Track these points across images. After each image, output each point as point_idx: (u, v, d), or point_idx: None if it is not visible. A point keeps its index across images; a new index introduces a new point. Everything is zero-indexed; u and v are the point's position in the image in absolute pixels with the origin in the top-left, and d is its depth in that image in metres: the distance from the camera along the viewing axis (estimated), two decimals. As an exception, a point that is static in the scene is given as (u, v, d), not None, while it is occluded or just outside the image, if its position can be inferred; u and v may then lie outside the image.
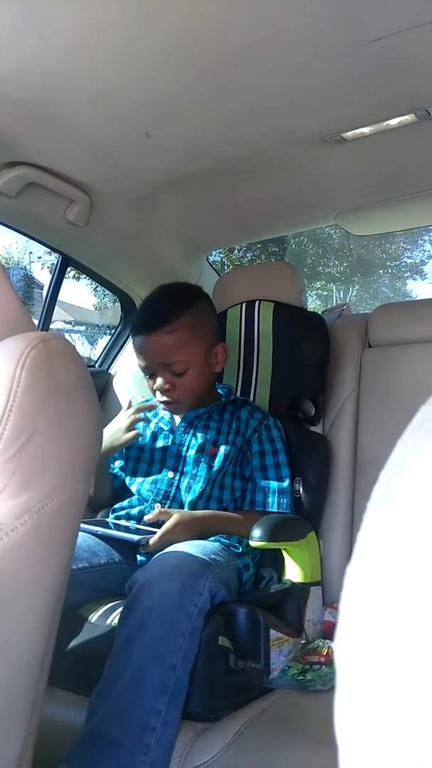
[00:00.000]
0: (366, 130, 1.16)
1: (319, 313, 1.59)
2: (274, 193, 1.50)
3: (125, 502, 1.24)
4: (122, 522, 1.16)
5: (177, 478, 1.20)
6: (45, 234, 1.47)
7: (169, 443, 1.24)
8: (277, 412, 1.36)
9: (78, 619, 1.00)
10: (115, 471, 1.32)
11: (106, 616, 0.99)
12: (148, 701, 0.80)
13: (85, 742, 0.79)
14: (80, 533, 1.12)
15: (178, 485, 1.19)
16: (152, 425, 1.30)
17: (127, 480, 1.28)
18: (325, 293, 10.44)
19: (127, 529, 1.11)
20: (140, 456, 1.27)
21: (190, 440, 1.23)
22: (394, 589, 0.21)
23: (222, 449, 1.21)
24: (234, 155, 1.25)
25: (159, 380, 1.18)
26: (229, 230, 1.77)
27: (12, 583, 0.52)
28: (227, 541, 1.11)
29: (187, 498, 1.18)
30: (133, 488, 1.25)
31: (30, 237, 1.43)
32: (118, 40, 0.87)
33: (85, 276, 1.69)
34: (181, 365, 1.17)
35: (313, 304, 9.22)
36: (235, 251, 8.29)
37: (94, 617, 1.00)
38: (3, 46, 0.87)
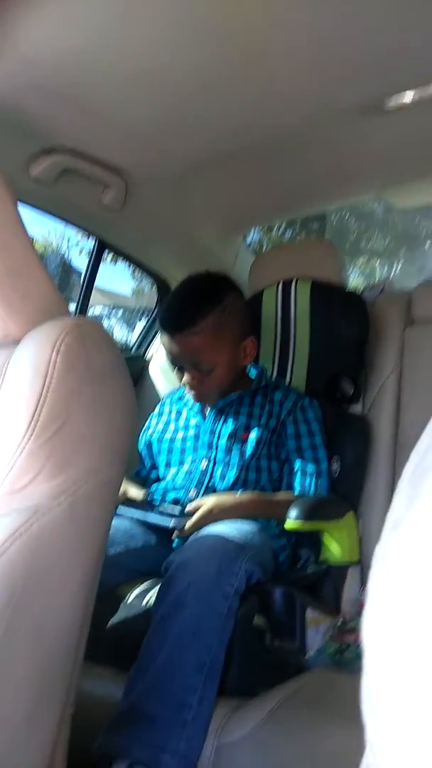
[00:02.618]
0: (408, 96, 1.12)
1: (361, 290, 1.56)
2: (313, 168, 1.46)
3: (161, 485, 1.25)
4: (159, 507, 1.18)
5: (210, 466, 1.20)
6: (81, 219, 1.49)
7: (201, 432, 1.24)
8: (315, 392, 1.34)
9: (115, 599, 1.03)
10: (144, 474, 1.34)
11: (142, 596, 1.02)
12: (184, 678, 0.82)
13: (124, 716, 0.81)
14: (117, 517, 1.15)
15: (212, 474, 1.20)
16: (184, 413, 1.31)
17: (161, 470, 1.29)
18: (368, 270, 10.19)
19: (162, 513, 1.12)
20: (172, 446, 1.28)
21: (221, 427, 1.23)
22: (424, 569, 0.21)
23: (254, 433, 1.20)
24: (270, 130, 1.23)
25: (186, 376, 1.19)
26: (266, 208, 1.74)
27: (48, 563, 0.53)
28: (264, 522, 1.12)
29: (222, 486, 1.18)
30: (168, 478, 1.26)
31: (67, 222, 1.45)
32: (149, 20, 0.86)
33: (122, 259, 1.71)
34: (207, 364, 1.17)
35: (356, 281, 9.00)
36: (274, 230, 8.15)
37: (130, 597, 1.03)
38: (36, 34, 0.88)
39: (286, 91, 1.09)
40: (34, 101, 1.04)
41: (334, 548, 1.16)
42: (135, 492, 1.20)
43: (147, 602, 0.99)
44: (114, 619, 0.98)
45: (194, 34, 0.90)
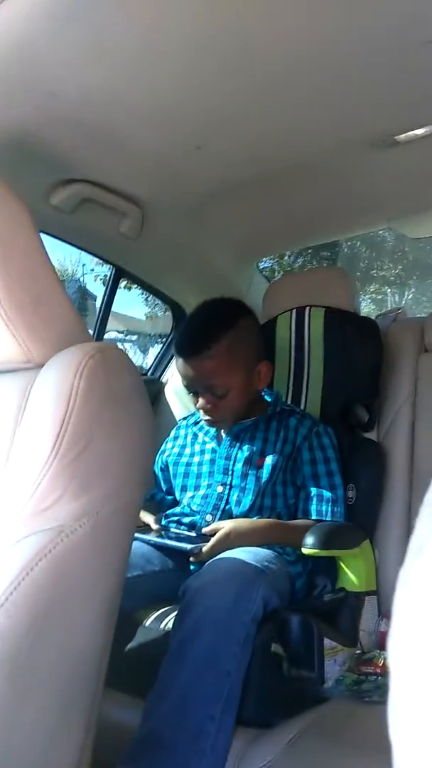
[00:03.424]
0: (419, 131, 1.14)
1: (373, 317, 1.56)
2: (326, 198, 1.49)
3: (177, 509, 1.25)
4: (175, 530, 1.18)
5: (226, 492, 1.20)
6: (99, 247, 1.52)
7: (216, 457, 1.24)
8: (330, 418, 1.34)
9: (132, 624, 1.02)
10: (159, 498, 1.35)
11: (159, 621, 1.01)
12: (202, 706, 0.80)
13: (141, 744, 0.80)
14: (134, 541, 1.15)
15: (227, 499, 1.19)
16: (199, 438, 1.31)
17: (177, 494, 1.29)
18: (380, 297, 10.22)
19: (178, 537, 1.12)
20: (188, 471, 1.28)
21: (237, 453, 1.23)
22: None
23: (269, 459, 1.20)
24: (286, 161, 1.26)
25: (200, 401, 1.19)
26: (280, 237, 1.77)
27: (71, 584, 0.54)
28: (280, 549, 1.11)
29: (238, 511, 1.18)
30: (184, 502, 1.26)
31: (84, 250, 1.48)
32: (175, 55, 0.89)
33: (137, 286, 1.73)
34: (221, 388, 1.17)
35: (368, 308, 9.02)
36: (286, 257, 8.24)
37: (147, 621, 1.02)
38: (60, 68, 0.91)
39: (300, 125, 1.12)
40: (56, 133, 1.08)
41: (351, 577, 1.15)
42: (149, 517, 1.20)
43: (165, 626, 0.99)
44: (131, 644, 0.97)
45: (214, 69, 0.93)
